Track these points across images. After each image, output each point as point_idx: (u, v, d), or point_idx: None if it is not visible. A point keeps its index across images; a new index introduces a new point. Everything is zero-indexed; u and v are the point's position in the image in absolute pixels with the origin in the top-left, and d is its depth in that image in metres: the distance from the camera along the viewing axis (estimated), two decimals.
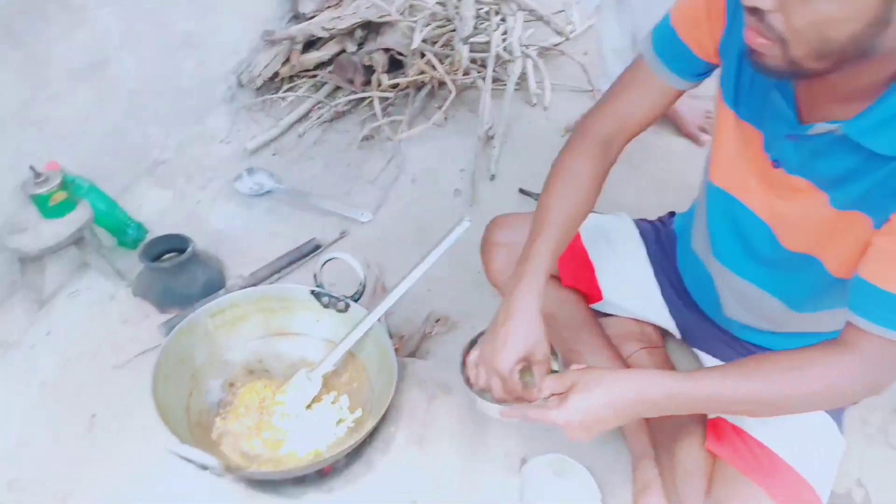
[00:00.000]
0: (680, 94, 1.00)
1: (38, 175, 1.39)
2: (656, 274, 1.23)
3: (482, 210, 1.77)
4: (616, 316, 1.32)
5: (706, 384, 0.84)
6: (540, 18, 2.20)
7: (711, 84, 0.99)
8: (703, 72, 0.97)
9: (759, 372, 0.82)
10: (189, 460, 0.90)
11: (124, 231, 1.61)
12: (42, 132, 1.51)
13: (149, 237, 1.65)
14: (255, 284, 1.53)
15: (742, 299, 1.05)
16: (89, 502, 1.15)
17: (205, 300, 1.46)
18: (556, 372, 1.01)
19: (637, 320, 1.31)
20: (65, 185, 1.41)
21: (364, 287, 1.23)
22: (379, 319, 1.18)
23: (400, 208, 1.81)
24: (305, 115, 2.11)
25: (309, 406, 1.15)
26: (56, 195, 1.39)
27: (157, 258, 1.50)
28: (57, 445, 1.24)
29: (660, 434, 1.11)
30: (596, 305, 1.29)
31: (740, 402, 0.84)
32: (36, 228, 1.42)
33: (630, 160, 1.93)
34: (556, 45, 2.33)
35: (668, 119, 1.98)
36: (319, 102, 2.12)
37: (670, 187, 1.84)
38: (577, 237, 1.25)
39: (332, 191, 1.86)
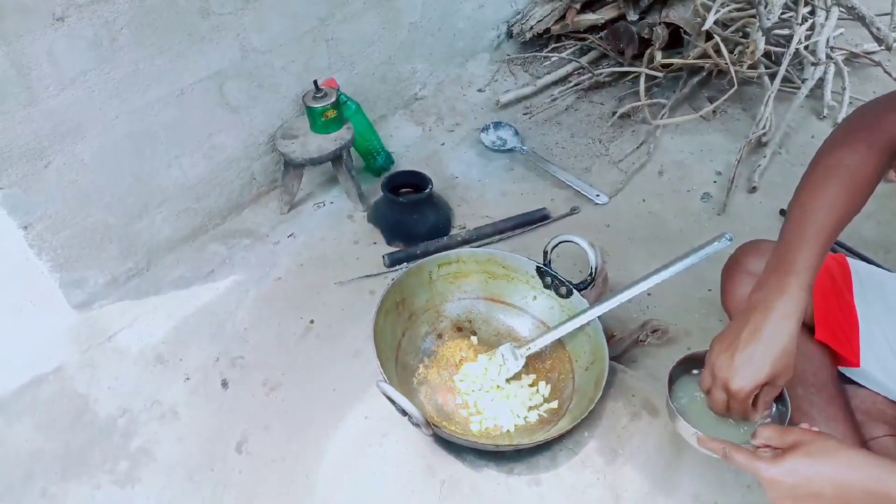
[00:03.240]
0: None
1: (318, 90, 1.49)
2: None
3: (730, 223, 1.60)
4: (868, 388, 1.12)
5: None
6: (860, 19, 1.88)
7: None
8: None
9: None
10: (392, 401, 0.92)
11: (374, 157, 1.70)
12: (329, 50, 1.62)
13: (393, 168, 1.72)
14: (476, 239, 1.54)
15: None
16: (294, 398, 1.25)
17: (428, 242, 1.51)
18: (779, 410, 0.91)
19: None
20: (338, 103, 1.51)
21: (593, 278, 1.16)
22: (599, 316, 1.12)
23: (639, 198, 1.69)
24: (564, 79, 2.04)
25: (507, 381, 1.13)
26: (328, 112, 1.49)
27: (394, 190, 1.57)
28: (277, 339, 1.37)
29: None
30: (848, 371, 1.11)
31: None
32: (304, 139, 1.54)
33: None
34: (869, 52, 1.99)
35: None
36: (581, 68, 2.04)
37: None
38: (850, 288, 1.07)
39: (573, 163, 1.80)
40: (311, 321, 1.40)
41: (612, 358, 1.23)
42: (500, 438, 1.05)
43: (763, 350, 0.81)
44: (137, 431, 1.25)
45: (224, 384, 1.31)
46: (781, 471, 0.72)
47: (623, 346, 1.29)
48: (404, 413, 0.93)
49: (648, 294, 1.44)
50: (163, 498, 1.16)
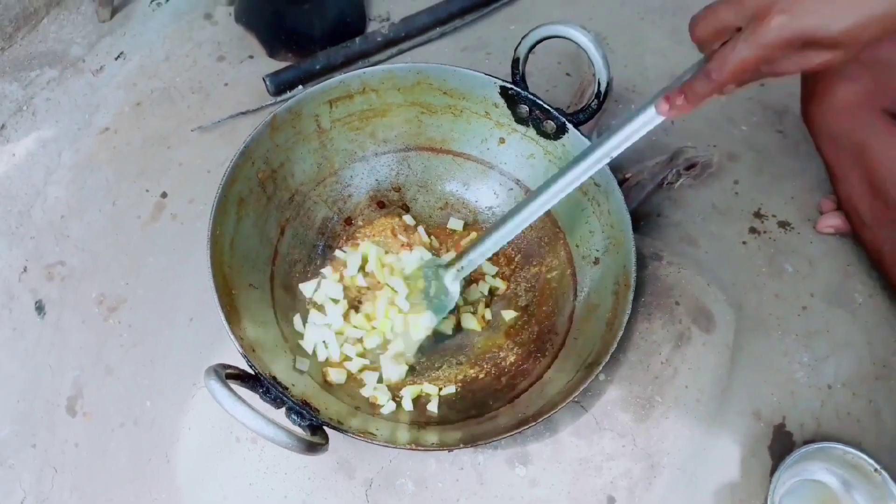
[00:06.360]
0: None
1: None
2: None
3: None
4: None
5: None
6: None
7: None
8: None
9: None
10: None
11: None
12: None
13: None
14: (407, 38, 0.99)
15: None
16: (144, 321, 0.81)
17: (332, 50, 0.97)
18: None
19: None
20: None
21: (604, 96, 0.66)
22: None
23: None
24: None
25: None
26: None
27: None
28: (112, 228, 0.89)
29: None
30: None
31: None
32: None
33: None
34: None
35: None
36: None
37: None
38: None
39: None
40: (163, 194, 0.91)
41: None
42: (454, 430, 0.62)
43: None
44: None
45: (39, 308, 0.86)
46: (768, 35, 0.48)
47: (641, 194, 0.83)
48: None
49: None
50: None
